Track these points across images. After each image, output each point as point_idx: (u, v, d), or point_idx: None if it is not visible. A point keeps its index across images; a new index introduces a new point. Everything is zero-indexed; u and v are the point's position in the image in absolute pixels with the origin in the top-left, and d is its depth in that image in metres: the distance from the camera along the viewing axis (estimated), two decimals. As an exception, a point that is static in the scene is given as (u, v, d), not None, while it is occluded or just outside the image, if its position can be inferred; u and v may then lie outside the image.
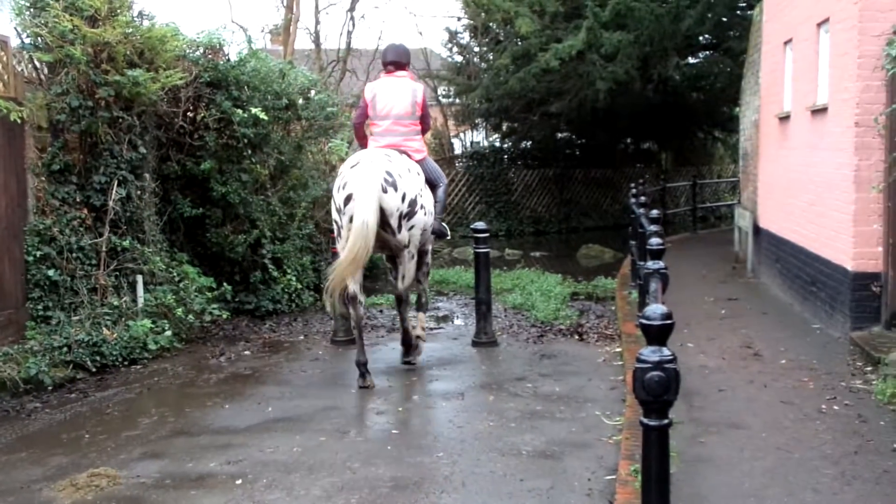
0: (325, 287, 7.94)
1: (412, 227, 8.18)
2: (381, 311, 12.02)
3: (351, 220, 7.74)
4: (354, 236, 7.63)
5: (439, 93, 28.95)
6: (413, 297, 9.08)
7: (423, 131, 8.78)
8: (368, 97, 8.64)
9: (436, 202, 8.64)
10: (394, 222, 8.00)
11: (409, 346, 8.83)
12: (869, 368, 7.92)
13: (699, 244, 18.98)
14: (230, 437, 6.79)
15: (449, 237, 9.35)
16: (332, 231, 8.72)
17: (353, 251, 7.65)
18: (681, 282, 12.64)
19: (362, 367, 8.07)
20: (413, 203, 8.12)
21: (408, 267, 8.36)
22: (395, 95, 8.55)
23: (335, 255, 9.44)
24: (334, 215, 8.11)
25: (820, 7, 10.37)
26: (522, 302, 12.17)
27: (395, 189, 7.94)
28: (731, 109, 22.89)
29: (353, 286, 7.98)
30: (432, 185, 8.71)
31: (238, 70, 11.07)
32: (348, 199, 7.84)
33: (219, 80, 11.00)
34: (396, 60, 8.72)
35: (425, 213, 8.35)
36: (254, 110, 10.81)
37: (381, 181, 7.86)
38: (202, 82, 10.91)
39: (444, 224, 8.96)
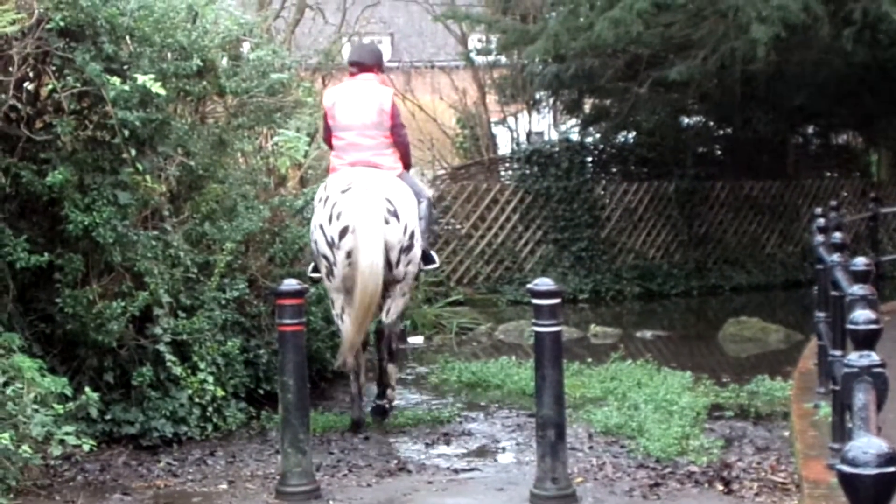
0: (340, 352, 8.45)
1: (409, 264, 8.58)
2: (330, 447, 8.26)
3: (348, 255, 8.21)
4: (363, 281, 8.10)
5: (471, 46, 21.10)
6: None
7: (398, 145, 8.69)
8: (328, 105, 8.72)
9: (419, 219, 8.80)
10: (393, 257, 8.43)
11: (387, 387, 8.85)
12: None
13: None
14: None
15: (437, 265, 9.48)
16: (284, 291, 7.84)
17: (364, 300, 8.11)
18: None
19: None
20: (412, 236, 8.52)
21: (398, 302, 8.80)
22: (357, 102, 8.60)
23: (286, 334, 7.40)
24: (323, 249, 8.40)
25: None
26: (622, 423, 9.06)
27: (398, 219, 8.34)
28: None
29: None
30: None
31: (114, 8, 8.10)
32: (344, 231, 8.24)
33: (80, 26, 8.04)
34: (359, 61, 8.76)
35: (419, 246, 8.72)
36: (142, 79, 7.87)
37: (383, 211, 8.26)
38: (50, 29, 7.93)
39: (431, 252, 9.10)
